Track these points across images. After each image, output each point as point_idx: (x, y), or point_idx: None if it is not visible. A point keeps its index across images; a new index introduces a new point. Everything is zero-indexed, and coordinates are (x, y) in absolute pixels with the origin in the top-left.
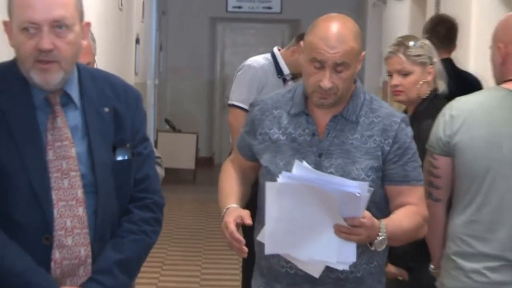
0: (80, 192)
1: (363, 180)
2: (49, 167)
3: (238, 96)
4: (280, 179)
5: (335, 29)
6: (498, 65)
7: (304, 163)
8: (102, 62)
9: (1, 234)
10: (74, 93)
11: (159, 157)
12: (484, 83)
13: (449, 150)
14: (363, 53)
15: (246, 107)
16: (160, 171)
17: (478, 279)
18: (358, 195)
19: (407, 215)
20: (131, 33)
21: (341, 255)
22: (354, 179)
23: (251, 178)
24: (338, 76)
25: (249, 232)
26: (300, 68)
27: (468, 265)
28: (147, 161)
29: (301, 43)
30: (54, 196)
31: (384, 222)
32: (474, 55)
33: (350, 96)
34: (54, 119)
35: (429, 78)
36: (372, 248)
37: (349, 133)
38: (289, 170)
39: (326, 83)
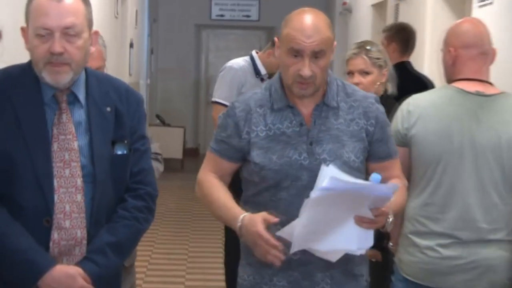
0: (79, 181)
1: (353, 162)
2: (53, 157)
3: (220, 94)
4: (318, 192)
5: (309, 20)
6: (449, 66)
7: (331, 166)
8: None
9: (5, 215)
10: (80, 93)
11: (159, 154)
12: (436, 83)
13: (406, 141)
14: (335, 43)
15: (227, 103)
16: (160, 167)
17: (431, 254)
18: (391, 197)
19: (397, 192)
20: (126, 38)
21: (361, 241)
22: (345, 162)
23: (228, 183)
24: (316, 65)
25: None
26: (275, 68)
27: (422, 242)
28: (144, 157)
29: (276, 39)
30: (55, 183)
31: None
32: (428, 58)
33: (326, 84)
34: (60, 115)
35: (384, 79)
36: (383, 230)
37: (333, 118)
38: (283, 163)
39: (306, 71)
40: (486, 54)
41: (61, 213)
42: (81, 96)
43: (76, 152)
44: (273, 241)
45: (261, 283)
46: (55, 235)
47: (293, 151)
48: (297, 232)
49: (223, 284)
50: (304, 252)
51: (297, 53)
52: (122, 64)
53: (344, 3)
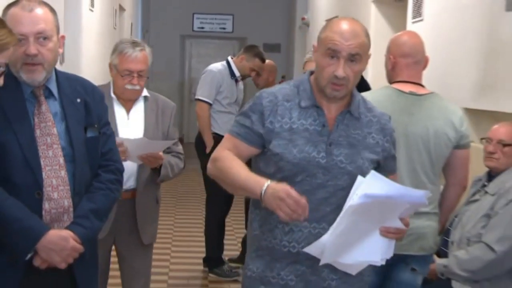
0: (61, 160)
1: (366, 169)
2: (38, 142)
3: (202, 92)
4: (358, 199)
5: (348, 25)
6: (390, 71)
7: (376, 173)
8: (99, 67)
9: (2, 191)
10: (54, 88)
11: (182, 154)
12: (380, 83)
13: None
14: (370, 52)
15: (208, 100)
16: (180, 163)
17: None
18: (425, 202)
19: None
20: None
21: (384, 252)
22: (359, 167)
23: None
24: (351, 68)
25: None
26: (246, 71)
27: None
28: (110, 139)
29: (314, 44)
30: (42, 162)
31: None
32: (371, 63)
33: (351, 94)
34: (39, 107)
35: None
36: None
37: (352, 127)
38: (302, 158)
39: (340, 71)
40: (420, 62)
41: (49, 186)
42: (54, 90)
43: (56, 137)
44: (304, 200)
45: (269, 276)
46: (46, 205)
47: (312, 148)
48: (330, 242)
49: (203, 249)
50: None
51: (333, 54)
52: None
53: (303, 18)
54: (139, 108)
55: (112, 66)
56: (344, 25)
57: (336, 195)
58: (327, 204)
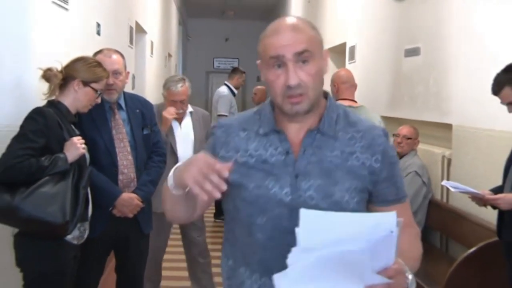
0: (129, 149)
1: (346, 203)
2: (114, 137)
3: (222, 109)
4: (290, 261)
5: (285, 21)
6: (335, 93)
7: (307, 210)
8: (156, 92)
9: (94, 170)
10: (122, 103)
11: None
12: None
13: None
14: (327, 50)
15: (225, 114)
16: None
17: None
18: (392, 233)
19: (411, 243)
20: None
21: None
22: (337, 201)
23: None
24: (304, 71)
25: None
26: (240, 84)
27: None
28: (158, 134)
29: (258, 62)
30: (117, 150)
31: (400, 259)
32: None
33: (324, 109)
34: (114, 115)
35: None
36: None
37: (327, 150)
38: (259, 195)
39: (292, 79)
40: (353, 86)
41: (122, 165)
42: (123, 105)
43: (125, 134)
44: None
45: None
46: (120, 177)
47: (273, 182)
48: None
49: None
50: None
51: (278, 62)
52: None
53: None
54: (188, 120)
55: (164, 96)
56: (281, 23)
57: None
58: None
